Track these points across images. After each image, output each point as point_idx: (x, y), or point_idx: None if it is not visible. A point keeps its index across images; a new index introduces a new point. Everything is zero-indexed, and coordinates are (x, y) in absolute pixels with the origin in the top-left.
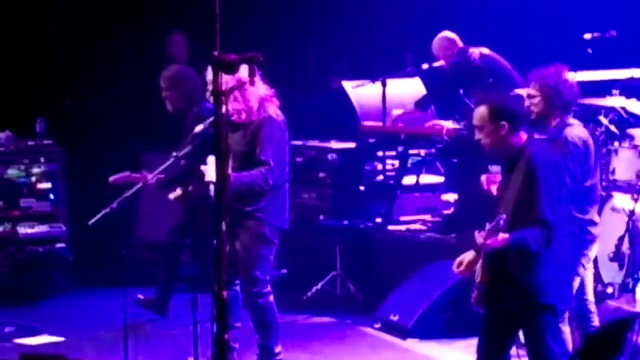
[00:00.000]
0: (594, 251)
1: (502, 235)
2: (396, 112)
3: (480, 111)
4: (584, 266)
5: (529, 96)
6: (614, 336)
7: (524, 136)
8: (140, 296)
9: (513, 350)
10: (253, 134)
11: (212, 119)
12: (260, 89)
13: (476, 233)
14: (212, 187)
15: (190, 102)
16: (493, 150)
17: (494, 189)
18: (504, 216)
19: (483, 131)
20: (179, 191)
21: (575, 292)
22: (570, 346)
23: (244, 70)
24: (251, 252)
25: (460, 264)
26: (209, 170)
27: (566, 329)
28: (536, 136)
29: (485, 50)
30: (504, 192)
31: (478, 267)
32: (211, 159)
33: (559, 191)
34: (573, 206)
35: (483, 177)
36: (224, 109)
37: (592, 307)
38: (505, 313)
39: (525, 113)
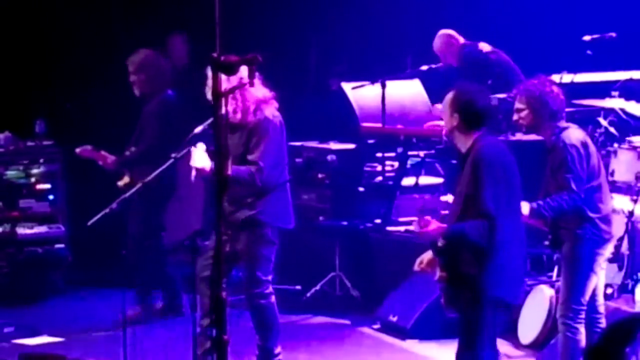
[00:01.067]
0: (608, 250)
1: (436, 224)
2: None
3: (448, 95)
4: (600, 266)
5: (517, 110)
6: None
7: (476, 134)
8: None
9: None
10: (249, 135)
11: (211, 119)
12: (260, 91)
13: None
14: (193, 172)
15: (155, 87)
16: (449, 140)
17: (434, 225)
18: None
19: (444, 115)
20: (126, 179)
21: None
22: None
23: (244, 71)
24: (253, 253)
25: (420, 262)
26: (196, 155)
27: (582, 329)
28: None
29: (488, 47)
30: (457, 187)
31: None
32: (200, 146)
33: (505, 185)
34: (587, 207)
35: (414, 224)
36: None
37: (601, 309)
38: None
39: (492, 118)
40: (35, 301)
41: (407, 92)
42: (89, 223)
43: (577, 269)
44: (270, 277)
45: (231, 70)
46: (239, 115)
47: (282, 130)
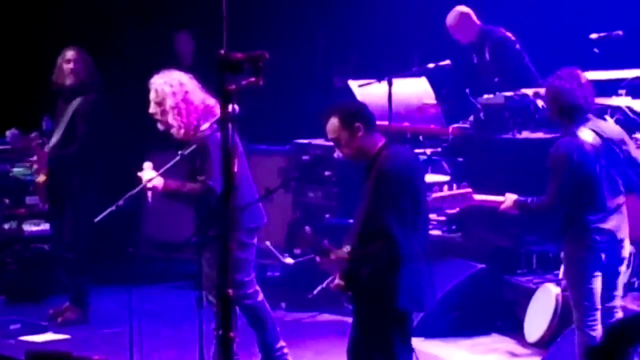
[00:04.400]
0: (626, 249)
1: (340, 253)
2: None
3: (331, 122)
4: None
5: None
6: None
7: (380, 141)
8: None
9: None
10: (194, 154)
11: (216, 118)
12: (200, 101)
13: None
14: (149, 194)
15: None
16: (356, 159)
17: (333, 256)
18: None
19: (341, 142)
20: (43, 176)
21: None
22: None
23: (182, 77)
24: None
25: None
26: (145, 174)
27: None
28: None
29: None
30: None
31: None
32: (147, 165)
33: (409, 199)
34: (577, 212)
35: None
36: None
37: (618, 301)
38: (364, 325)
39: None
40: (41, 298)
41: (414, 89)
42: (96, 220)
43: (572, 274)
44: (252, 276)
45: (238, 67)
46: (182, 131)
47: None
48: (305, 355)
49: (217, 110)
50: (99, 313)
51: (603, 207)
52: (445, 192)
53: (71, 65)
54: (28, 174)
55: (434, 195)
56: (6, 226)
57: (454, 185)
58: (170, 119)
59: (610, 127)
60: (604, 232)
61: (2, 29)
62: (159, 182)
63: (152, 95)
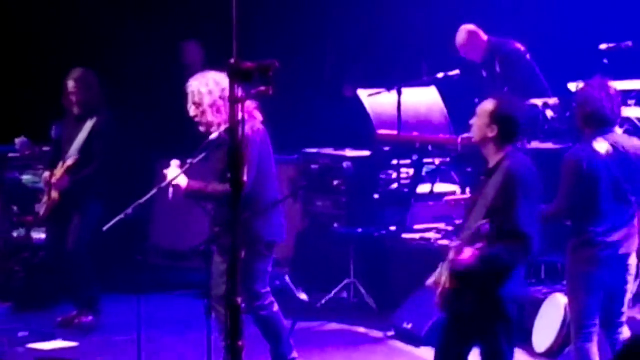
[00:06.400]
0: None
1: (470, 252)
2: None
3: (488, 103)
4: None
5: None
6: None
7: (507, 148)
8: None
9: None
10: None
11: (226, 127)
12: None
13: (451, 245)
14: (170, 190)
15: (88, 108)
16: (476, 144)
17: (468, 253)
18: (485, 222)
19: (478, 121)
20: (56, 193)
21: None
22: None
23: (224, 81)
24: (249, 268)
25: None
26: (170, 172)
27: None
28: None
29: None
30: (477, 196)
31: (443, 274)
32: (174, 162)
33: (537, 203)
34: (580, 224)
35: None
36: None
37: (624, 318)
38: (466, 317)
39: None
40: (49, 306)
41: (423, 99)
42: (105, 228)
43: (573, 288)
44: (268, 289)
45: (248, 76)
46: (223, 128)
47: (262, 144)
48: None
49: (257, 114)
50: (108, 321)
51: (607, 219)
52: (459, 195)
53: (74, 97)
54: (37, 181)
55: (447, 198)
56: (15, 234)
57: (467, 190)
58: (210, 117)
59: (631, 141)
60: (608, 245)
61: (12, 38)
62: (182, 181)
63: (190, 99)
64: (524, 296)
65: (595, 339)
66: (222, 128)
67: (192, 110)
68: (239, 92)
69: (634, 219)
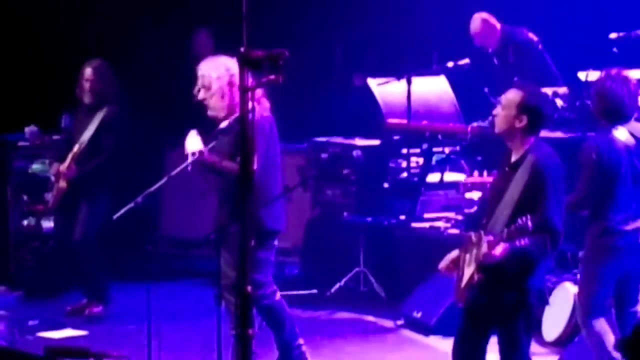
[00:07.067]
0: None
1: (502, 247)
2: None
3: (514, 93)
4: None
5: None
6: None
7: (532, 139)
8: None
9: None
10: (237, 136)
11: (237, 115)
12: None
13: (475, 237)
14: (189, 159)
15: (101, 98)
16: (501, 135)
17: (501, 248)
18: (528, 218)
19: (503, 111)
20: (64, 183)
21: None
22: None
23: (234, 66)
24: (251, 258)
25: (447, 262)
26: (189, 140)
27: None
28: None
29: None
30: (502, 190)
31: (469, 269)
32: (193, 132)
33: (563, 196)
34: (596, 213)
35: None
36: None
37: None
38: (489, 308)
39: (550, 119)
40: (59, 294)
41: (433, 88)
42: (115, 217)
43: (587, 274)
44: (270, 278)
45: (258, 65)
46: (223, 114)
47: (271, 131)
48: (322, 353)
49: (264, 102)
50: (118, 310)
51: (627, 207)
52: (476, 177)
53: (89, 84)
54: (47, 170)
55: (465, 180)
56: (25, 222)
57: (485, 172)
58: (215, 101)
59: None
60: (626, 234)
61: (23, 28)
62: (201, 146)
63: (199, 82)
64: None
65: (603, 319)
66: (223, 113)
67: (201, 94)
68: (249, 81)
69: None
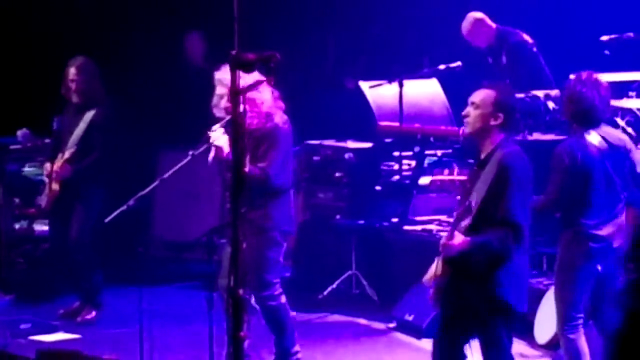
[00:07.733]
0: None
1: (461, 237)
2: None
3: (487, 92)
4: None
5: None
6: None
7: (501, 137)
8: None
9: None
10: (257, 141)
11: (228, 117)
12: (269, 94)
13: (445, 238)
14: (212, 153)
15: (88, 96)
16: (471, 135)
17: (459, 238)
18: (472, 201)
19: (478, 110)
20: (56, 185)
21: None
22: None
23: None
24: (262, 256)
25: (431, 275)
26: (215, 134)
27: (581, 339)
28: None
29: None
30: (471, 187)
31: (437, 262)
32: (219, 128)
33: (529, 194)
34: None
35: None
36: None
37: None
38: (463, 309)
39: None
40: (51, 298)
41: (425, 91)
42: (107, 220)
43: (562, 280)
44: (279, 279)
45: (249, 68)
46: (255, 121)
47: (289, 136)
48: (315, 356)
49: (280, 104)
50: (110, 313)
51: (600, 212)
52: (445, 176)
53: (74, 85)
54: (39, 173)
55: (434, 177)
56: (17, 226)
57: (455, 170)
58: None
59: (618, 135)
60: (600, 239)
61: (13, 30)
62: (225, 144)
63: (218, 90)
64: (520, 311)
65: (582, 330)
66: (255, 121)
67: (223, 102)
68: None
69: (623, 212)
